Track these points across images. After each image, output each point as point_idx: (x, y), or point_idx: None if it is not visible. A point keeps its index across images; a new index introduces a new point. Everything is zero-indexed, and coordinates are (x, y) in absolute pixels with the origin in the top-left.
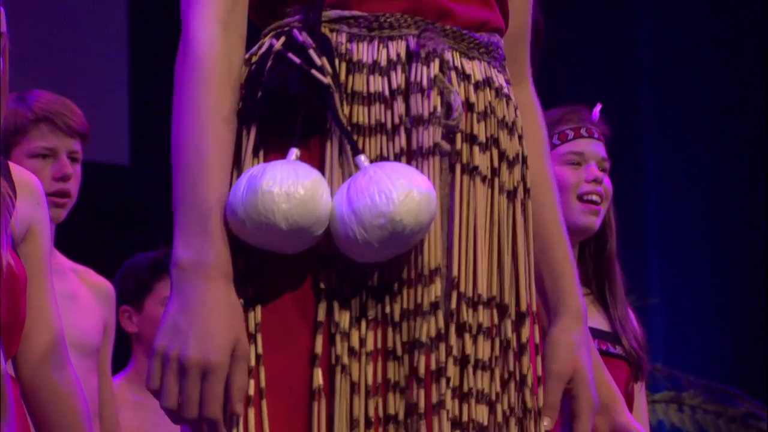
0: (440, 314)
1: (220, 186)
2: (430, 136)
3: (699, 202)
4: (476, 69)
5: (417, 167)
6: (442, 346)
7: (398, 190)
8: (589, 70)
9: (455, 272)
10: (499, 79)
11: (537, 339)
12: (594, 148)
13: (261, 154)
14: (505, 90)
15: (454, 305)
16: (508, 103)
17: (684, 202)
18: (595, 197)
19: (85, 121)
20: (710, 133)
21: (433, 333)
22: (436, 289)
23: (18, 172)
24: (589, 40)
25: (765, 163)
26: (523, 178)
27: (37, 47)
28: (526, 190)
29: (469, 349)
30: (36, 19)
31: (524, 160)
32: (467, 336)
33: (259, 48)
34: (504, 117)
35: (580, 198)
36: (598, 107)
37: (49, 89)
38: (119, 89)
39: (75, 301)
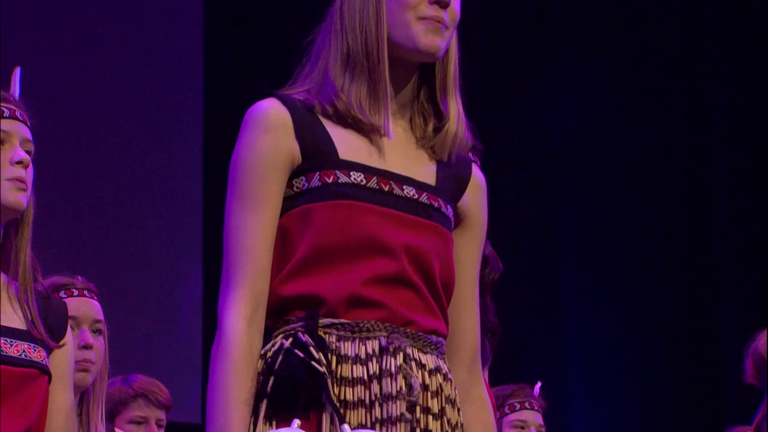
0: None
1: None
2: (397, 408)
3: None
4: (429, 360)
5: (388, 430)
6: None
7: None
8: (530, 350)
9: None
10: (445, 368)
11: None
12: (534, 418)
13: (273, 421)
14: (449, 375)
15: None
16: (451, 385)
17: None
18: None
19: (170, 397)
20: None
21: None
22: None
23: None
24: (528, 329)
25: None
26: None
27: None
28: None
29: None
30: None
31: (462, 426)
32: None
33: (272, 346)
34: (449, 395)
35: None
36: (539, 385)
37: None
38: (194, 359)
39: None
